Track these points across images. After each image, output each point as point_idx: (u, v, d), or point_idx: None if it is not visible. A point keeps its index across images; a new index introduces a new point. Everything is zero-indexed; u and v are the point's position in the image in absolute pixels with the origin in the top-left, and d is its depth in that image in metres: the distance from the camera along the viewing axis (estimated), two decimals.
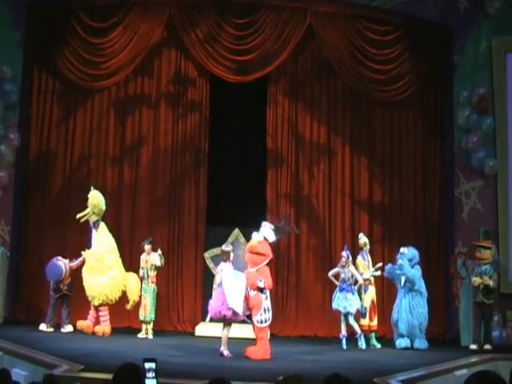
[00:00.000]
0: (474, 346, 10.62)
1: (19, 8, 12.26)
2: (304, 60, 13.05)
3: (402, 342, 10.60)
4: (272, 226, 9.32)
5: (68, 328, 11.01)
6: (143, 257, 10.99)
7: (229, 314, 9.01)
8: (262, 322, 9.03)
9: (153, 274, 10.90)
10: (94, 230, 11.15)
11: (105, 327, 10.91)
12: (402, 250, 10.88)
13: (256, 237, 9.19)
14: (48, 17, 12.58)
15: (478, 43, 12.25)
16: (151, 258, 10.88)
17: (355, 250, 11.47)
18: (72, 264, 11.13)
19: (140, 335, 10.85)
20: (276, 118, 12.87)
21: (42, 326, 10.92)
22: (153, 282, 10.92)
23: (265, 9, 12.69)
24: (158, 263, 10.85)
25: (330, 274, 10.86)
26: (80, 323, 11.00)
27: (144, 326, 10.91)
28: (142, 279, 10.95)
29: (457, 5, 12.25)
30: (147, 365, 3.99)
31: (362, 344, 10.55)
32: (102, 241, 11.13)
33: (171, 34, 12.85)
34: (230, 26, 12.69)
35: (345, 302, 10.53)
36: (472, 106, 12.03)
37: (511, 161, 11.97)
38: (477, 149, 11.92)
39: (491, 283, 10.69)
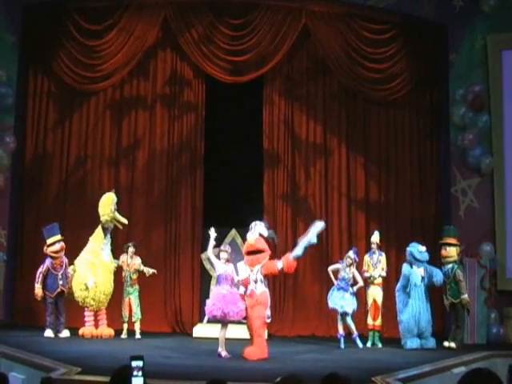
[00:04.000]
0: (446, 343, 10.65)
1: (14, 11, 12.24)
2: (299, 60, 13.05)
3: (413, 343, 10.41)
4: (263, 224, 9.36)
5: (65, 333, 10.82)
6: (125, 259, 11.02)
7: (219, 314, 9.03)
8: (269, 317, 9.09)
9: (135, 276, 11.03)
10: (108, 235, 11.13)
11: (110, 329, 10.97)
12: (421, 247, 10.70)
13: (251, 236, 9.19)
14: (43, 19, 12.57)
15: (473, 41, 12.24)
16: (134, 261, 10.99)
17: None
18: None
19: (123, 336, 10.90)
20: (272, 119, 12.87)
21: (48, 333, 10.68)
22: (135, 284, 11.04)
23: (260, 9, 12.70)
24: (142, 268, 10.99)
25: (330, 268, 10.83)
26: (88, 331, 10.84)
27: (125, 326, 10.98)
28: (123, 281, 11.06)
29: (452, 3, 12.24)
30: (134, 363, 3.99)
31: (359, 344, 10.55)
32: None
33: (166, 35, 12.85)
34: (225, 26, 12.69)
35: (342, 302, 10.50)
36: (467, 104, 12.03)
37: (507, 158, 11.97)
38: (473, 146, 11.92)
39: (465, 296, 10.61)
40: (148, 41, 12.62)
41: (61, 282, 10.87)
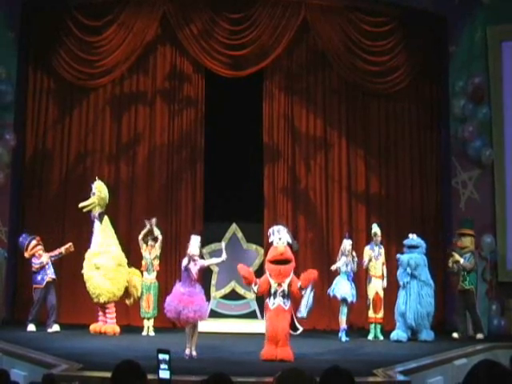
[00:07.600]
0: (455, 335, 10.72)
1: (13, 7, 12.21)
2: (299, 54, 13.04)
3: (394, 335, 10.51)
4: (286, 229, 8.87)
5: (55, 327, 10.84)
6: (144, 247, 10.90)
7: (172, 315, 8.58)
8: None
9: (156, 263, 11.03)
10: (97, 222, 10.96)
11: (114, 326, 10.87)
12: (410, 235, 10.86)
13: (280, 242, 8.58)
14: (42, 16, 12.57)
15: (473, 33, 12.21)
16: (153, 243, 10.95)
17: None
18: (51, 254, 11.10)
19: (144, 333, 10.89)
20: (272, 113, 12.86)
21: (31, 327, 10.73)
22: (156, 270, 11.01)
23: (259, 3, 12.70)
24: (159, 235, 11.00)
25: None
26: (93, 326, 10.84)
27: (147, 323, 10.95)
28: (145, 268, 11.00)
29: None
30: (161, 356, 3.98)
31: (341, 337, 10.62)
32: (108, 234, 11.08)
33: (166, 30, 12.84)
34: (224, 21, 12.69)
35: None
36: (467, 96, 12.01)
37: (508, 150, 11.96)
38: (473, 138, 11.91)
39: (461, 261, 10.77)
40: (147, 36, 12.61)
41: (49, 272, 10.98)
